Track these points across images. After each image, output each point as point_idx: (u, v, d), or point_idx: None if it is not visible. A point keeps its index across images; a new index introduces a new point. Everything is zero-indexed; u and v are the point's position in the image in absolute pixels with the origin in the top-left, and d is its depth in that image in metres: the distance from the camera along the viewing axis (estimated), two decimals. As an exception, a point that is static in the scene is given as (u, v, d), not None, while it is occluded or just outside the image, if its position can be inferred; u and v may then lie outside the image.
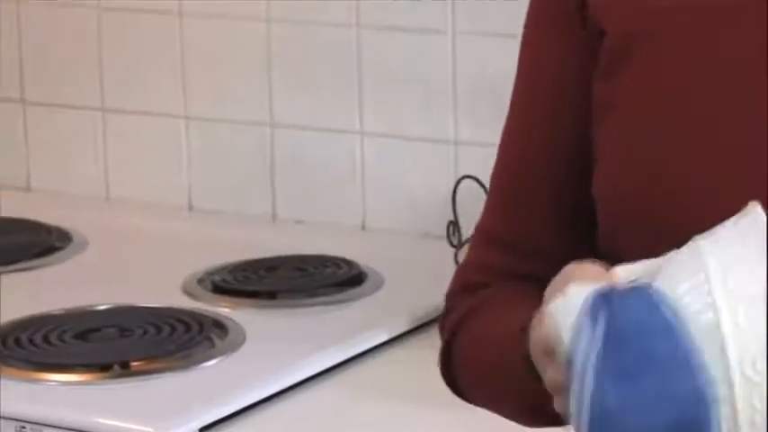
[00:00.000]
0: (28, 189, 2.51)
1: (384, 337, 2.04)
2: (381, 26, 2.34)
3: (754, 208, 1.16)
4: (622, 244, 1.30)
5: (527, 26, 1.38)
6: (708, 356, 1.06)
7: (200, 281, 2.18)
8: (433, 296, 1.87)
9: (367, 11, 2.30)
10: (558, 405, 1.16)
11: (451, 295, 1.49)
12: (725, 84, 1.34)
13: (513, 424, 1.37)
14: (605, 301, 1.08)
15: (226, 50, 2.36)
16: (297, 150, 2.46)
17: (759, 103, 1.31)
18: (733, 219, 1.13)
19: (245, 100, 2.45)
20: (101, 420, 1.76)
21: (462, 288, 1.48)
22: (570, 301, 1.09)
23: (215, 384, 1.82)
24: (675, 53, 1.35)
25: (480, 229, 1.46)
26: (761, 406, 1.05)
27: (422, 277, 2.18)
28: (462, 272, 1.49)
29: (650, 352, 1.11)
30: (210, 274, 2.19)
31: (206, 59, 2.35)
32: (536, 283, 1.31)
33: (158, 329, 1.97)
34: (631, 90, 1.30)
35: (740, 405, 1.07)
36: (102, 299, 2.06)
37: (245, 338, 1.97)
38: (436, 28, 2.33)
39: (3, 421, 1.77)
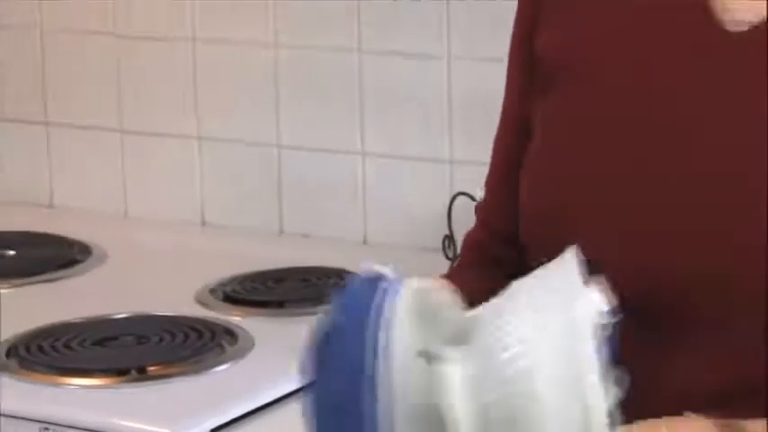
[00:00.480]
0: (51, 206, 2.54)
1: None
2: (381, 51, 2.34)
3: (569, 254, 1.18)
4: (532, 263, 1.29)
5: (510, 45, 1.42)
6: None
7: (212, 291, 2.20)
8: None
9: (368, 37, 2.31)
10: None
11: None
12: (629, 118, 1.33)
13: None
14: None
15: (235, 75, 2.39)
16: (302, 169, 2.48)
17: (661, 139, 1.28)
18: (550, 264, 1.18)
19: (253, 122, 2.47)
20: (119, 422, 1.79)
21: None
22: None
23: (226, 388, 1.86)
24: (590, 84, 1.37)
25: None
26: None
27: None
28: (479, 211, 1.53)
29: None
30: (222, 284, 2.21)
31: (217, 84, 2.38)
32: (502, 268, 1.41)
33: (173, 336, 1.99)
34: (548, 117, 1.34)
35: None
36: (120, 308, 2.09)
37: (253, 345, 1.99)
38: (432, 53, 2.34)
39: (27, 422, 1.78)
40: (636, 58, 1.33)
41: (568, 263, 1.20)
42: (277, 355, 1.95)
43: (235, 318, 2.10)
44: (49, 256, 2.26)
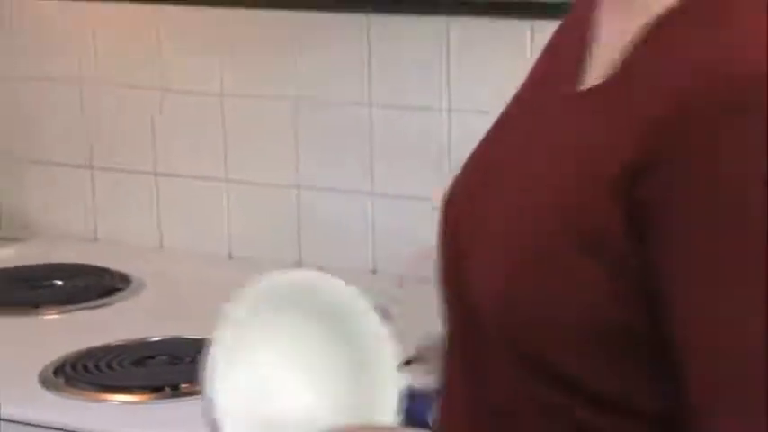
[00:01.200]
0: (95, 240, 2.58)
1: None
2: (389, 105, 2.39)
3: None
4: None
5: None
6: None
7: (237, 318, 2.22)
8: (429, 325, 1.98)
9: (378, 92, 2.36)
10: None
11: None
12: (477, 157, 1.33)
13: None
14: None
15: (259, 125, 2.42)
16: (318, 207, 2.52)
17: (486, 177, 1.27)
18: None
19: (275, 166, 2.50)
20: (154, 433, 1.83)
21: None
22: None
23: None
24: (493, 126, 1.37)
25: None
26: None
27: (420, 311, 2.12)
28: None
29: None
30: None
31: (243, 132, 2.42)
32: None
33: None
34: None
35: None
36: (156, 332, 2.14)
37: None
38: (433, 106, 2.37)
39: (71, 436, 1.85)
40: (506, 110, 1.33)
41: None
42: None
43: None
44: (92, 285, 2.30)
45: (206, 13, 2.46)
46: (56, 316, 2.17)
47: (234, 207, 2.58)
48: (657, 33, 1.14)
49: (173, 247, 2.53)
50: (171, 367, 1.94)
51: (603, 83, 1.16)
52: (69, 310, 2.18)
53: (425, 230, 2.28)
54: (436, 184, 2.26)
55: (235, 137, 2.46)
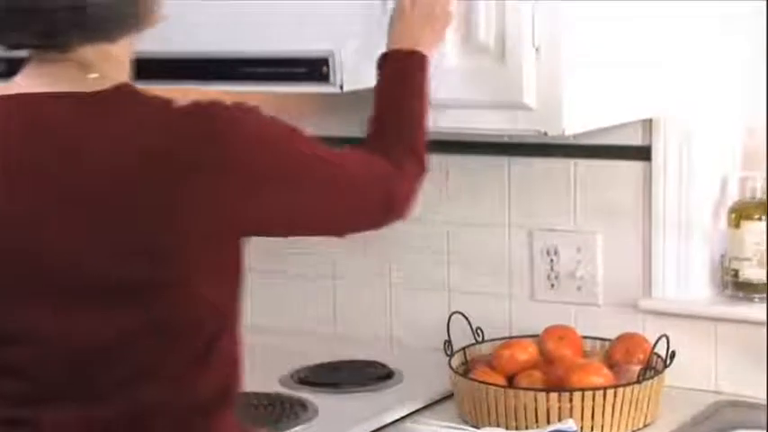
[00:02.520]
0: None
1: (407, 411, 2.22)
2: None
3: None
4: None
5: None
6: None
7: (291, 376, 2.39)
8: (437, 386, 2.28)
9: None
10: None
11: None
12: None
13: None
14: None
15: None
16: (349, 295, 2.65)
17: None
18: None
19: (315, 261, 2.62)
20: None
21: None
22: None
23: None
24: None
25: None
26: None
27: (429, 374, 2.34)
28: None
29: None
30: (297, 371, 2.40)
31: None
32: None
33: (264, 406, 2.19)
34: None
35: None
36: None
37: (317, 413, 2.19)
38: (436, 219, 2.50)
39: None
40: None
41: None
42: (335, 420, 2.17)
43: (305, 394, 2.28)
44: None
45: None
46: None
47: (289, 294, 2.68)
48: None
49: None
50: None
51: None
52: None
53: (431, 313, 2.51)
54: (441, 277, 2.52)
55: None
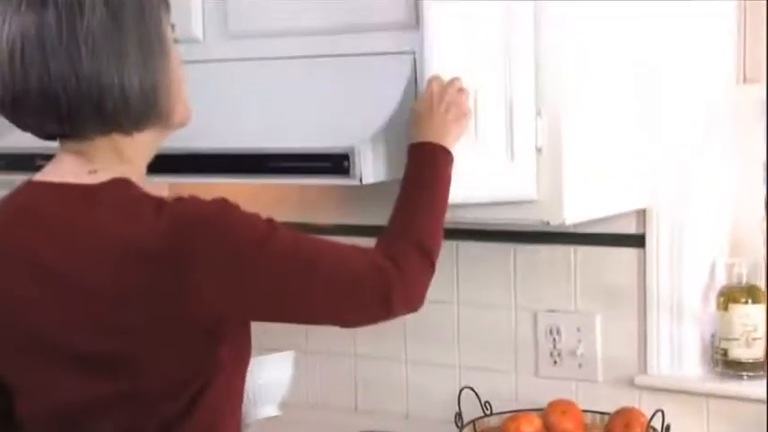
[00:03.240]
0: None
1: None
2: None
3: None
4: None
5: None
6: None
7: None
8: None
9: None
10: None
11: None
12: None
13: None
14: None
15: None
16: (367, 372, 2.64)
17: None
18: None
19: (337, 339, 2.62)
20: None
21: None
22: None
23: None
24: None
25: None
26: None
27: None
28: None
29: None
30: None
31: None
32: None
33: None
34: None
35: None
36: None
37: None
38: (446, 299, 2.50)
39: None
40: None
41: None
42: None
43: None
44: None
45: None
46: None
47: (311, 369, 2.65)
48: None
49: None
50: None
51: None
52: None
53: (443, 388, 2.47)
54: (452, 357, 2.49)
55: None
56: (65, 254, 1.50)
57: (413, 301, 1.67)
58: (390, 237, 1.72)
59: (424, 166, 1.82)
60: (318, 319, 1.63)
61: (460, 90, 1.90)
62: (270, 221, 1.55)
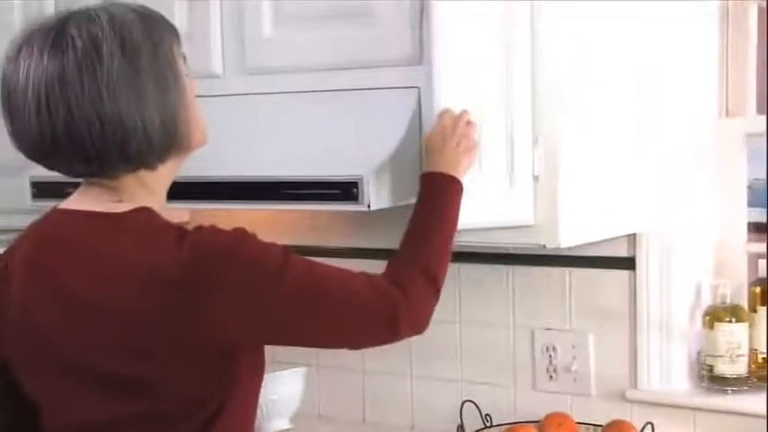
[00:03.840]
0: None
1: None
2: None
3: None
4: None
5: None
6: None
7: None
8: None
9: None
10: None
11: None
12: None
13: None
14: None
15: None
16: (374, 387, 2.63)
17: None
18: None
19: (346, 356, 2.59)
20: None
21: None
22: None
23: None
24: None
25: None
26: None
27: None
28: None
29: None
30: None
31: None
32: None
33: None
34: None
35: None
36: None
37: None
38: (446, 319, 2.50)
39: None
40: None
41: None
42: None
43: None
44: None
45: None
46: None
47: (322, 384, 2.65)
48: None
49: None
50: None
51: None
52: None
53: (445, 401, 2.47)
54: (455, 372, 2.49)
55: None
56: (88, 279, 1.50)
57: (418, 325, 1.66)
58: (399, 262, 1.71)
59: (435, 194, 1.81)
60: (329, 343, 1.63)
61: (469, 123, 1.89)
62: (285, 250, 1.54)
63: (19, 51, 1.52)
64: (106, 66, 1.48)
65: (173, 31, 1.58)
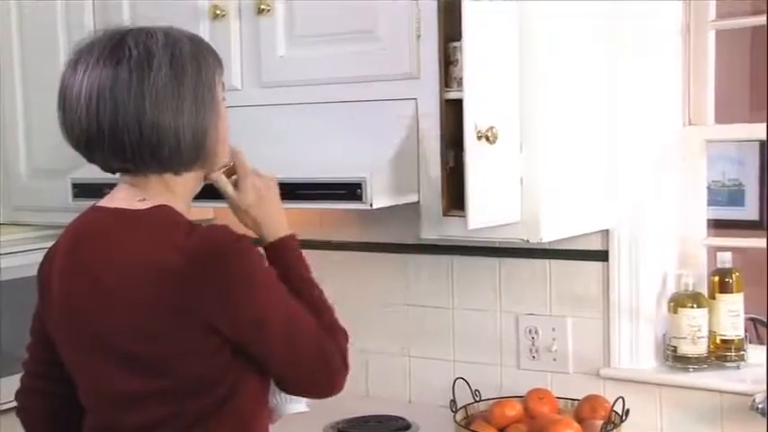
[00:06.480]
0: None
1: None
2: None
3: None
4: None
5: None
6: None
7: (332, 426, 2.38)
8: None
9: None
10: None
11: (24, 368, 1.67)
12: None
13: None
14: None
15: (370, 329, 2.41)
16: (378, 365, 2.62)
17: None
18: None
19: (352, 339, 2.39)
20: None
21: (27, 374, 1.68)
22: None
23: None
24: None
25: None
26: None
27: (438, 426, 2.35)
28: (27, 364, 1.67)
29: None
30: (337, 423, 2.39)
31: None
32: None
33: None
34: None
35: None
36: None
37: None
38: (445, 305, 2.50)
39: None
40: None
41: None
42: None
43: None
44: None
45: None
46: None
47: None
48: None
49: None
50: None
51: None
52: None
53: (439, 378, 2.44)
54: (447, 352, 2.46)
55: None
56: (113, 269, 1.50)
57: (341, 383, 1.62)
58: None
59: (296, 264, 1.64)
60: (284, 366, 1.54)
61: (255, 171, 1.69)
62: (273, 274, 1.50)
63: (79, 57, 1.53)
64: (153, 75, 1.49)
65: (218, 60, 1.59)
